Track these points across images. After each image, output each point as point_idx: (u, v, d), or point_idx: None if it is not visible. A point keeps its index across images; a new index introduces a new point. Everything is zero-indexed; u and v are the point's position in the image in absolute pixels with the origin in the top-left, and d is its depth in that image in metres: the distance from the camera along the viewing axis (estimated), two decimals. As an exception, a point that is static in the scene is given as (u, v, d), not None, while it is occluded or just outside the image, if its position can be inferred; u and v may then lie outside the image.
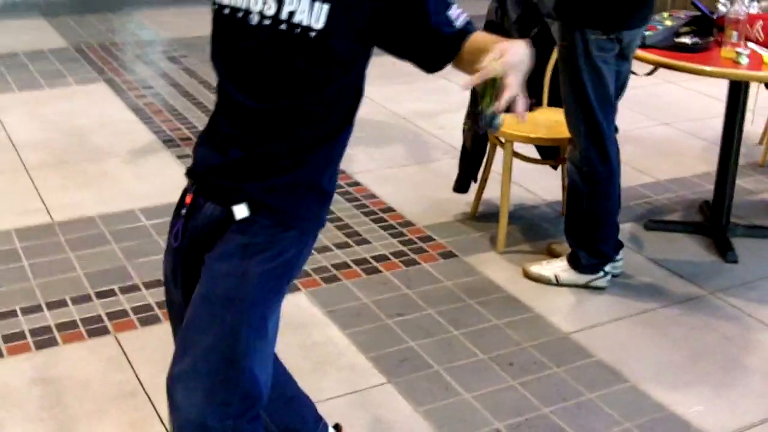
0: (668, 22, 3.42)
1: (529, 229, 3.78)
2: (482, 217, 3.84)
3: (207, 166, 1.87)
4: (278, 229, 1.81)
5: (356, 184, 4.15)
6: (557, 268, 3.34)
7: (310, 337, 2.99)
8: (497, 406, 2.67)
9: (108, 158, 4.41)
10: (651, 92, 5.42)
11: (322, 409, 2.34)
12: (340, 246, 3.57)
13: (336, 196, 3.94)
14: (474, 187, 3.85)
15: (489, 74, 1.55)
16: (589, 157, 3.15)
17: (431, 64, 1.79)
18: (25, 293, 3.19)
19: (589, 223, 3.26)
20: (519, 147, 3.58)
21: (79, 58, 6.02)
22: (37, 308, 3.10)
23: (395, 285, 3.31)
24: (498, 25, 3.56)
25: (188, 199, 1.90)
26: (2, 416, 2.59)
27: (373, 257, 3.49)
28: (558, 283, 3.32)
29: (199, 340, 1.79)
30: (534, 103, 3.61)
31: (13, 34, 6.44)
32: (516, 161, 3.60)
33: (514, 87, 1.55)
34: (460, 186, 3.84)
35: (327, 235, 3.64)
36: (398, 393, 2.72)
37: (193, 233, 1.88)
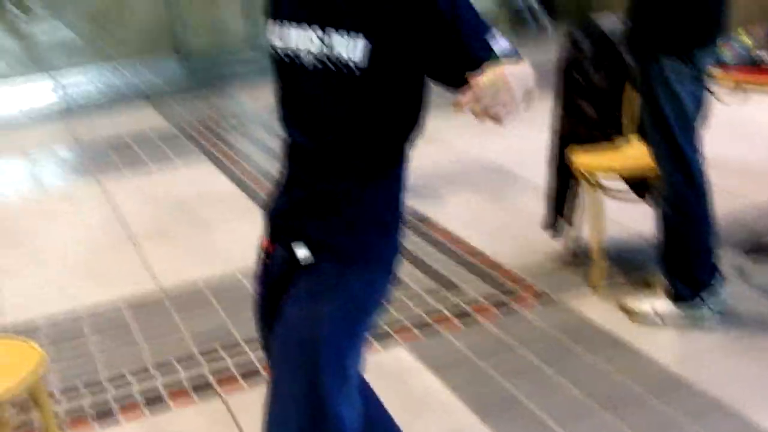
0: (744, 39, 3.38)
1: (625, 263, 3.73)
2: (576, 256, 3.82)
3: (275, 210, 1.94)
4: (341, 267, 1.83)
5: (447, 232, 4.19)
6: (655, 300, 3.29)
7: (405, 384, 3.02)
8: (597, 443, 2.64)
9: (209, 226, 4.59)
10: (739, 114, 5.29)
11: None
12: (431, 293, 3.61)
13: (421, 243, 4.04)
14: (565, 226, 3.84)
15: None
16: (675, 182, 3.12)
17: (455, 76, 1.72)
18: (134, 359, 3.34)
19: (681, 251, 3.21)
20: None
21: (180, 137, 6.31)
22: (146, 371, 3.24)
23: (490, 331, 3.31)
24: (572, 60, 3.59)
25: (264, 243, 1.96)
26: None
27: (466, 303, 3.52)
28: (656, 316, 3.26)
29: (283, 389, 1.79)
30: (612, 133, 3.61)
31: (121, 120, 6.80)
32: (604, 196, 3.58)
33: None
34: (548, 223, 3.84)
35: (418, 284, 3.69)
36: (494, 433, 2.73)
37: (271, 278, 1.93)
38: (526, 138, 5.13)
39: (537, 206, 4.28)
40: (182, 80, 8.22)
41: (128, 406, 3.04)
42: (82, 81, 8.08)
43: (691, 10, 2.96)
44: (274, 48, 1.87)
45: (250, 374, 3.16)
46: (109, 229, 4.65)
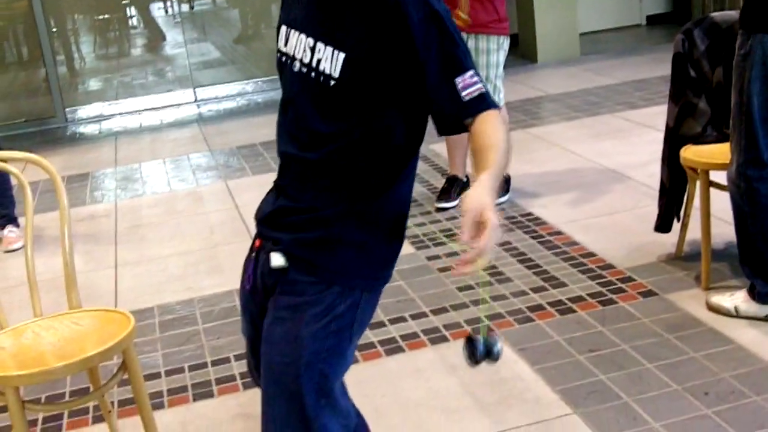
0: None
1: (738, 265, 3.57)
2: (688, 256, 3.69)
3: (261, 212, 1.95)
4: (321, 286, 1.80)
5: (558, 233, 4.13)
6: (738, 299, 3.14)
7: (497, 374, 2.98)
8: (688, 435, 2.54)
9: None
10: None
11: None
12: (535, 290, 3.56)
13: (534, 244, 4.00)
14: (678, 225, 3.72)
15: (473, 270, 1.54)
16: (746, 174, 2.99)
17: (439, 128, 1.77)
18: (239, 343, 3.44)
19: (758, 246, 3.06)
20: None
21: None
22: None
23: (590, 323, 3.24)
24: (686, 56, 3.48)
25: (257, 243, 1.96)
26: (207, 447, 2.79)
27: (569, 299, 3.45)
28: (737, 315, 3.12)
29: (272, 411, 1.85)
30: (726, 130, 3.46)
31: (253, 129, 7.03)
32: (719, 194, 3.44)
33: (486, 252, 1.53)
34: (662, 225, 3.72)
35: (523, 280, 3.66)
36: (584, 423, 2.65)
37: (260, 278, 1.92)
38: (656, 150, 5.01)
39: (650, 208, 4.17)
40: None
41: (226, 384, 3.14)
42: (222, 95, 8.40)
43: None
44: (278, 51, 1.90)
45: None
46: (231, 227, 4.82)
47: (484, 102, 1.70)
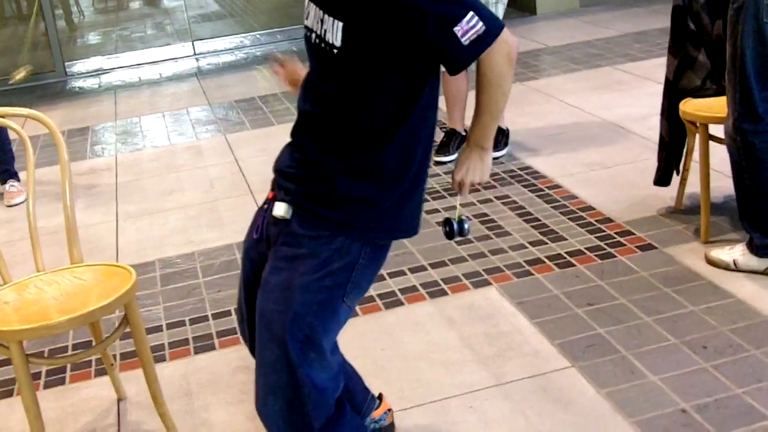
0: None
1: (737, 218, 3.58)
2: (687, 209, 3.70)
3: (279, 163, 2.02)
4: (321, 240, 1.88)
5: (557, 186, 4.13)
6: (736, 252, 3.16)
7: (496, 327, 3.01)
8: (685, 388, 2.56)
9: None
10: None
11: (502, 392, 2.35)
12: (534, 243, 3.57)
13: (533, 198, 4.00)
14: (677, 179, 3.72)
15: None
16: (742, 128, 2.99)
17: (448, 70, 1.84)
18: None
19: (756, 200, 3.07)
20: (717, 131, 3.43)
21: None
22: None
23: (588, 277, 3.26)
24: (685, 9, 3.45)
25: (270, 194, 2.03)
26: (209, 400, 2.82)
27: (568, 252, 3.46)
28: (736, 269, 3.14)
29: (262, 355, 1.93)
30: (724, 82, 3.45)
31: (252, 83, 6.99)
32: (719, 147, 3.44)
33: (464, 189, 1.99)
34: (661, 178, 3.72)
35: (521, 233, 3.67)
36: (582, 376, 2.68)
37: (264, 228, 2.01)
38: (658, 104, 4.99)
39: (650, 161, 4.17)
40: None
41: (227, 338, 3.17)
42: (221, 48, 8.35)
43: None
44: (304, 25, 1.98)
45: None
46: (230, 181, 4.82)
47: (484, 41, 1.76)
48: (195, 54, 8.27)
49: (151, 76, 7.75)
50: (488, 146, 1.94)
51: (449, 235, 2.06)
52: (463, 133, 4.67)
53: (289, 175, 1.96)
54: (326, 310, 1.89)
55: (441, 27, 1.73)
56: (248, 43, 8.36)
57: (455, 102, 4.61)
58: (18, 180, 4.95)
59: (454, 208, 3.93)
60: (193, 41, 8.35)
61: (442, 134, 4.74)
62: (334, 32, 1.82)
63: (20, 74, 6.07)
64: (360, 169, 1.88)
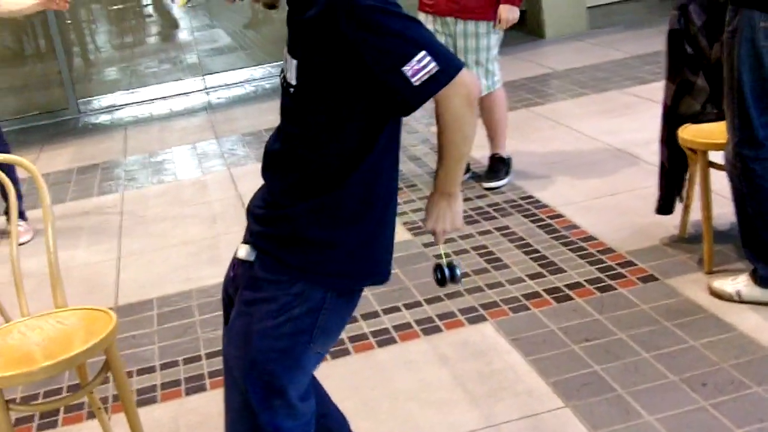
0: None
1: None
2: (692, 238, 3.60)
3: (251, 204, 2.00)
4: (281, 285, 1.83)
5: (558, 216, 4.05)
6: (740, 283, 3.06)
7: (490, 365, 2.93)
8: (681, 428, 2.47)
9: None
10: None
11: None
12: (532, 276, 3.50)
13: (533, 228, 3.93)
14: (680, 206, 3.63)
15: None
16: (742, 154, 2.91)
17: (401, 112, 1.80)
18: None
19: (758, 228, 2.98)
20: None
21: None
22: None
23: (587, 311, 3.17)
24: (682, 33, 3.38)
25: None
26: None
27: (567, 285, 3.38)
28: (740, 300, 3.04)
29: (229, 401, 1.93)
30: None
31: (260, 116, 6.98)
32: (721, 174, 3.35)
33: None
34: (662, 207, 3.63)
35: (520, 266, 3.59)
36: (575, 417, 2.60)
37: (237, 269, 1.99)
38: (648, 116, 4.92)
39: (653, 187, 4.08)
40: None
41: (218, 379, 3.10)
42: (231, 82, 8.35)
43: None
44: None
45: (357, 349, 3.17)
46: (233, 215, 4.78)
47: (437, 81, 1.69)
48: (206, 88, 8.28)
49: (162, 111, 7.77)
50: (455, 191, 1.86)
51: (441, 282, 1.98)
52: (505, 156, 4.61)
53: (256, 215, 1.93)
54: (288, 357, 1.84)
55: (389, 66, 1.68)
56: (258, 76, 8.36)
57: (495, 128, 4.56)
58: (25, 219, 4.95)
59: (453, 240, 3.89)
60: (204, 75, 8.36)
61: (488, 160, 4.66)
62: (292, 71, 1.81)
63: None
64: (318, 210, 1.83)
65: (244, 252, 1.90)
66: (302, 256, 1.84)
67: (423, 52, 1.67)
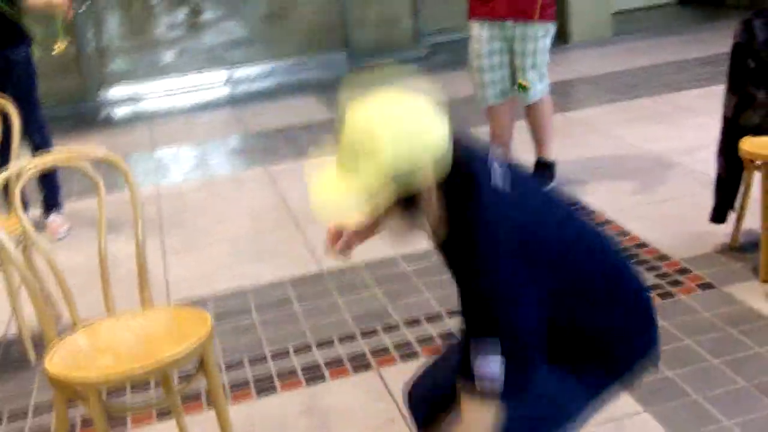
0: None
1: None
2: (744, 247, 3.67)
3: None
4: None
5: (608, 222, 4.12)
6: None
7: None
8: (762, 433, 2.55)
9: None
10: None
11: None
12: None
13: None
14: (733, 216, 3.70)
15: None
16: None
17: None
18: (296, 335, 3.46)
19: None
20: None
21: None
22: (307, 347, 3.36)
23: (651, 317, 3.24)
24: (745, 47, 3.45)
25: None
26: (277, 444, 2.82)
27: (627, 291, 3.44)
28: None
29: None
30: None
31: (289, 111, 7.02)
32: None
33: None
34: (717, 216, 3.70)
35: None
36: (656, 421, 2.66)
37: None
38: (706, 137, 4.98)
39: (701, 196, 4.16)
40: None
41: (288, 380, 3.16)
42: (254, 75, 8.38)
43: None
44: None
45: (407, 354, 3.22)
46: (274, 213, 4.83)
47: (493, 390, 1.75)
48: (228, 80, 8.30)
49: (183, 104, 7.78)
50: None
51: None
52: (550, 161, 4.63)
53: None
54: None
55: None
56: (288, 76, 8.37)
57: (543, 133, 4.60)
58: (60, 213, 4.96)
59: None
60: (226, 67, 8.37)
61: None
62: None
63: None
64: None
65: None
66: None
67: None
